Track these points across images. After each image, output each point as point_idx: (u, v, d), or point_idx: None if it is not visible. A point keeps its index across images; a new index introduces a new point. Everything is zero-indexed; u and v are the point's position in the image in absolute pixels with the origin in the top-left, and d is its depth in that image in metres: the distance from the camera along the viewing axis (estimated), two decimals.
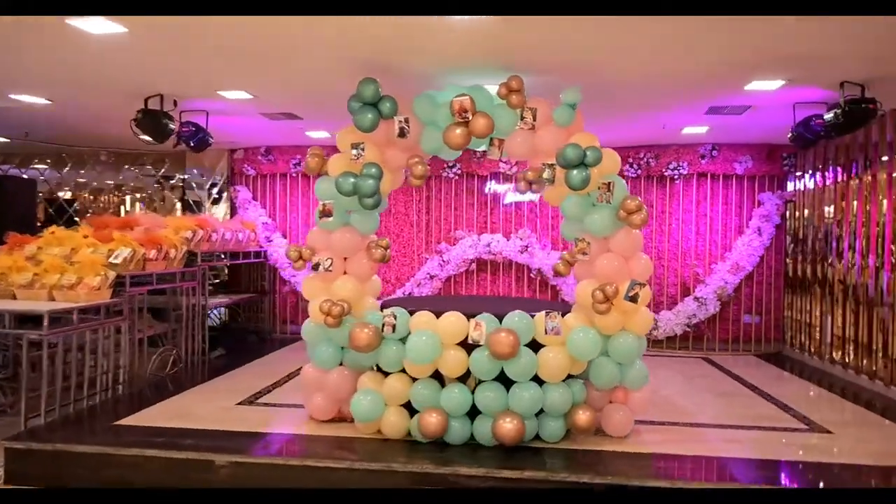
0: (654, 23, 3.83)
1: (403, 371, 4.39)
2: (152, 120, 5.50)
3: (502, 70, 4.66)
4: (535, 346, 4.25)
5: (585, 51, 4.40)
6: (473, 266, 8.38)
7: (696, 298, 7.83)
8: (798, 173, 7.78)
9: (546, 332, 4.20)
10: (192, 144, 6.12)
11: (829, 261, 7.08)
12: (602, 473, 3.80)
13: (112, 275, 5.48)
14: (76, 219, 9.50)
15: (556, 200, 4.70)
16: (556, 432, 4.28)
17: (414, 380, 4.36)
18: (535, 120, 4.43)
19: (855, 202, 6.64)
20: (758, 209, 7.95)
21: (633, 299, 4.29)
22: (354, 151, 4.56)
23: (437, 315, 4.34)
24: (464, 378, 4.31)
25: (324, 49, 4.45)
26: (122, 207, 9.95)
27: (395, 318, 4.32)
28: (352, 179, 4.44)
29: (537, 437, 4.31)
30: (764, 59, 4.51)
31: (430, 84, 5.00)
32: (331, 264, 4.64)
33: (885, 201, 5.99)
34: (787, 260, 8.00)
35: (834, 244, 6.98)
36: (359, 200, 4.55)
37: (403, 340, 4.39)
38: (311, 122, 6.92)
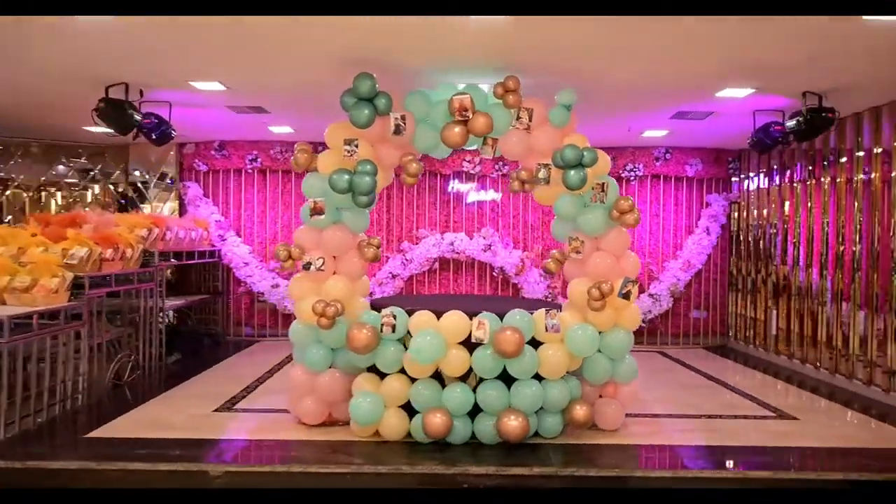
0: (641, 31, 3.97)
1: (401, 372, 4.33)
2: (116, 110, 5.14)
3: (488, 70, 4.71)
4: (533, 343, 4.30)
5: (573, 55, 4.50)
6: (437, 265, 8.38)
7: (651, 295, 8.16)
8: (742, 176, 8.27)
9: (546, 330, 4.26)
10: (153, 137, 5.76)
11: (770, 259, 7.59)
12: (606, 467, 3.90)
13: (69, 276, 5.08)
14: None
15: (547, 200, 4.76)
16: (555, 428, 4.36)
17: (412, 380, 4.31)
18: (530, 120, 4.48)
19: (787, 203, 7.22)
20: (706, 210, 8.39)
21: (626, 296, 4.42)
22: (347, 148, 4.44)
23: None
24: (463, 377, 4.30)
25: (307, 43, 4.34)
26: (53, 202, 9.22)
27: (394, 318, 4.25)
28: (346, 176, 4.33)
29: (534, 434, 4.36)
30: (737, 68, 4.77)
31: (418, 82, 4.95)
32: (323, 264, 4.50)
33: (829, 202, 6.49)
34: (732, 258, 8.49)
35: (777, 243, 7.48)
36: (352, 198, 4.44)
37: (401, 341, 4.35)
38: (278, 117, 6.69)
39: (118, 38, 4.20)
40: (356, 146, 4.43)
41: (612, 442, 4.36)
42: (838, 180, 6.38)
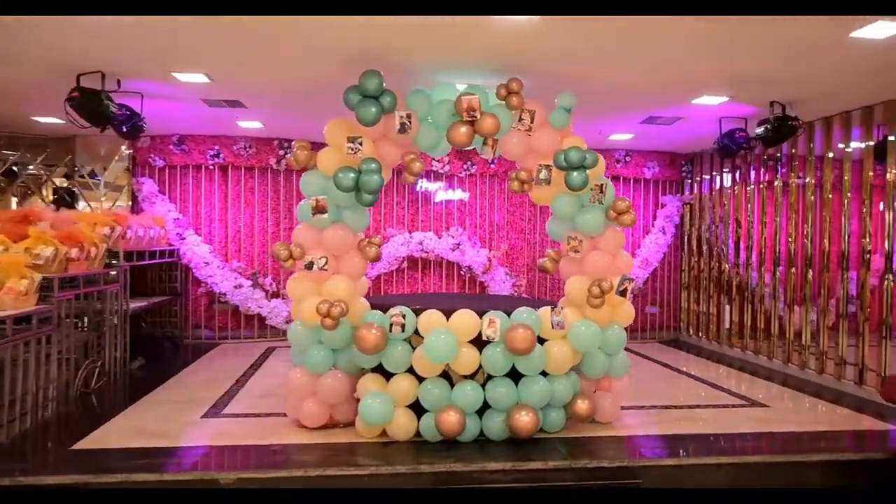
0: (635, 37, 4.15)
1: (408, 371, 4.32)
2: (91, 101, 4.82)
3: (486, 71, 4.79)
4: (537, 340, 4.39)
5: (566, 59, 4.64)
6: (405, 264, 8.36)
7: None
8: (697, 178, 8.74)
9: (553, 327, 4.37)
10: (124, 130, 5.46)
11: (721, 256, 8.09)
12: (616, 458, 4.04)
13: (38, 277, 4.74)
14: None
15: (544, 200, 4.87)
16: (559, 422, 4.47)
17: (419, 380, 4.31)
18: (532, 122, 4.57)
19: (728, 204, 7.78)
20: (661, 210, 8.81)
21: (623, 293, 4.60)
22: (351, 145, 4.38)
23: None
24: (470, 375, 4.34)
25: (302, 39, 4.27)
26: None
27: (403, 317, 4.23)
28: (352, 174, 4.27)
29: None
30: (718, 77, 5.06)
31: (415, 81, 4.95)
32: (325, 263, 4.42)
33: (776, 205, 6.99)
34: (684, 256, 8.96)
35: (727, 242, 8.00)
36: (356, 196, 4.39)
37: (407, 340, 4.33)
38: (253, 112, 6.47)
39: (98, 25, 3.95)
40: (360, 144, 4.37)
41: (612, 434, 4.53)
42: (776, 183, 6.89)
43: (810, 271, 6.64)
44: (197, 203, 8.11)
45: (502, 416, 4.27)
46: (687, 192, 8.89)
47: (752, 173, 7.55)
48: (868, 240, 5.87)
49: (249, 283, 8.00)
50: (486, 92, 4.62)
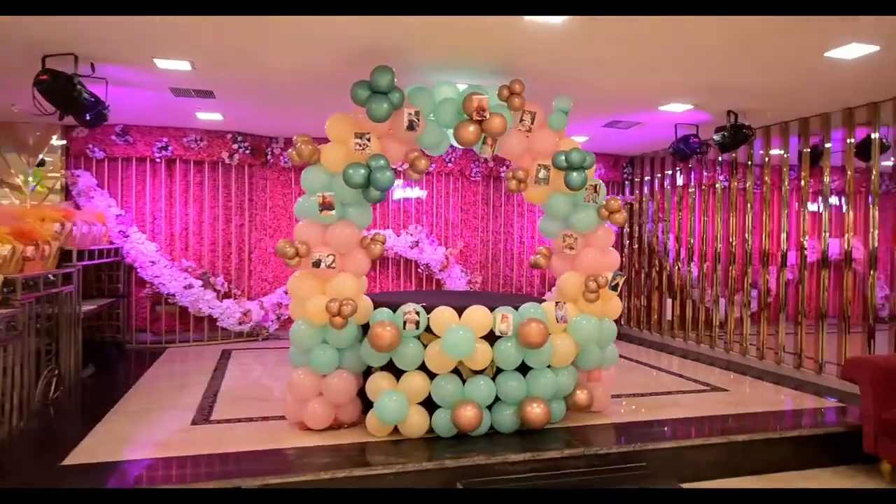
0: (618, 45, 4.40)
1: (418, 368, 4.33)
2: (64, 85, 4.42)
3: (484, 71, 4.89)
4: None
5: (555, 62, 4.83)
6: None
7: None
8: (637, 179, 9.29)
9: (557, 321, 4.53)
10: (87, 118, 5.04)
11: (663, 253, 8.70)
12: (615, 444, 4.26)
13: (0, 279, 4.30)
14: None
15: (539, 199, 5.02)
16: (561, 412, 4.65)
17: (430, 377, 4.33)
18: (532, 123, 4.71)
19: (669, 205, 8.42)
20: None
21: (615, 288, 4.85)
22: (359, 142, 4.32)
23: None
24: (480, 370, 4.42)
25: (300, 31, 4.21)
26: None
27: (417, 314, 4.24)
28: (363, 171, 4.22)
29: None
30: (689, 85, 5.45)
31: (411, 79, 4.95)
32: (333, 261, 4.33)
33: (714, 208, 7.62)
34: (625, 253, 9.49)
35: (662, 240, 8.63)
36: (363, 193, 4.35)
37: (418, 337, 4.34)
38: (221, 103, 6.16)
39: None
40: (368, 140, 4.33)
41: (608, 421, 4.77)
42: (703, 185, 7.54)
43: (733, 267, 7.40)
44: (140, 198, 7.60)
45: (512, 408, 4.38)
46: (628, 193, 9.42)
47: (693, 176, 8.17)
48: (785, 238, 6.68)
49: (200, 283, 7.61)
50: (490, 92, 4.72)
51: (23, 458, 3.92)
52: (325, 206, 4.33)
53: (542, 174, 4.75)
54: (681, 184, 8.36)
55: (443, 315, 4.32)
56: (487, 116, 4.46)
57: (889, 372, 4.39)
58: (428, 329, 4.32)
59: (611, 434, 4.53)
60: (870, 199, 5.81)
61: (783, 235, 6.76)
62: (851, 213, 6.01)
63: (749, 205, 7.21)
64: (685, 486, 4.04)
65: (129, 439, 4.20)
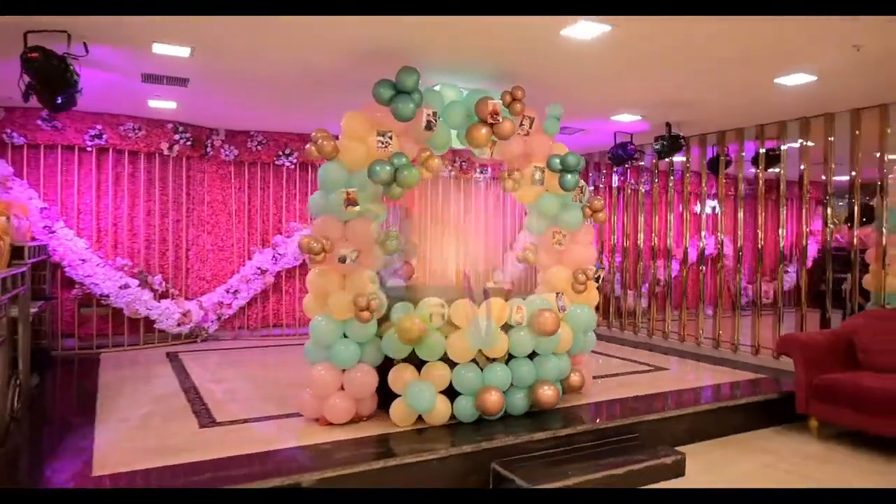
0: (590, 56, 4.85)
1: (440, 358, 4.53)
2: (56, 65, 4.04)
3: (485, 74, 5.18)
4: None
5: (540, 68, 5.20)
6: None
7: (496, 282, 9.34)
8: None
9: (558, 311, 4.94)
10: (59, 101, 4.60)
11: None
12: (610, 419, 4.77)
13: None
14: None
15: (529, 199, 5.40)
16: (561, 394, 5.06)
17: (451, 366, 4.55)
18: (530, 127, 5.07)
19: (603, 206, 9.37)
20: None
21: (597, 279, 5.37)
22: (381, 139, 4.43)
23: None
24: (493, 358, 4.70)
25: (307, 29, 4.26)
26: None
27: (443, 307, 4.43)
28: (388, 168, 4.33)
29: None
30: (645, 98, 6.11)
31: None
32: (357, 256, 4.39)
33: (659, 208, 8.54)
34: None
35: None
36: (385, 189, 4.47)
37: (440, 329, 4.54)
38: (196, 91, 5.80)
39: None
40: (390, 138, 4.44)
41: (594, 400, 5.26)
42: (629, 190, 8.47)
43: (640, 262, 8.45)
44: (66, 190, 6.92)
45: (523, 391, 4.72)
46: None
47: (610, 178, 9.05)
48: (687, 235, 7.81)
49: (137, 282, 7.09)
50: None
51: (35, 470, 3.57)
52: (350, 202, 4.37)
53: (537, 175, 5.13)
54: (604, 185, 9.20)
55: (463, 308, 4.54)
56: (500, 120, 4.75)
57: (815, 346, 5.32)
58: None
59: (603, 411, 5.02)
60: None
61: (674, 234, 7.87)
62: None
63: (654, 206, 8.27)
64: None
65: (139, 449, 3.94)
